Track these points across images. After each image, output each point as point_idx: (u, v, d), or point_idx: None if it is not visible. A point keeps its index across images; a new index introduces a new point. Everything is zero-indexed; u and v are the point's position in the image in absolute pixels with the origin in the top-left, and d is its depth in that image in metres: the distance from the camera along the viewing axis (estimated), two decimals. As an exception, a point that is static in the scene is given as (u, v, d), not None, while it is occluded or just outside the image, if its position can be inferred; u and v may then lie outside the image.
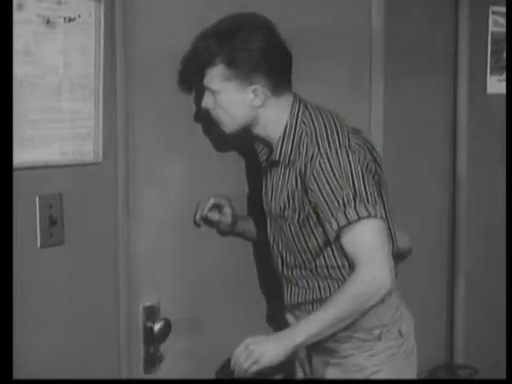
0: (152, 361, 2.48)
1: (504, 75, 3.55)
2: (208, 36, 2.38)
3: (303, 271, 2.47)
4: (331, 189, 2.30)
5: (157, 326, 2.44)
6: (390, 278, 2.29)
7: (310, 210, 2.37)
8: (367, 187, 2.31)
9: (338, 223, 2.30)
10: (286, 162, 2.40)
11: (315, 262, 2.44)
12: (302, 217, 2.39)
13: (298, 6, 2.76)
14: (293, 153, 2.39)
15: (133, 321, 2.42)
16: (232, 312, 2.69)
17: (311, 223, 2.39)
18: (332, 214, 2.30)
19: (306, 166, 2.34)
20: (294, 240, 2.44)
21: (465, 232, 3.42)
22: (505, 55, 3.54)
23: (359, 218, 2.28)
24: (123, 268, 2.38)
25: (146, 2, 2.39)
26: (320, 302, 2.43)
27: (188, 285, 2.58)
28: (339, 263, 2.41)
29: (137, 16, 2.36)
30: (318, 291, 2.47)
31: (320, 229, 2.38)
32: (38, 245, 2.20)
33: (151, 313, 2.45)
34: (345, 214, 2.29)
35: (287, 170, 2.40)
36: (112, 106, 2.31)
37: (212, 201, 2.57)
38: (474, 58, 3.37)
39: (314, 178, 2.32)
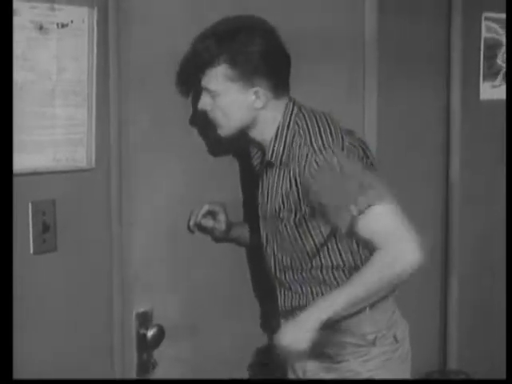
0: (145, 367, 2.47)
1: (497, 81, 3.56)
2: (208, 36, 2.37)
3: (297, 275, 2.47)
4: (335, 184, 2.29)
5: (150, 333, 2.44)
6: (419, 252, 2.25)
7: (307, 210, 2.35)
8: (370, 176, 2.32)
9: (350, 215, 2.27)
10: (279, 163, 2.39)
11: (311, 263, 2.43)
12: (298, 217, 2.38)
13: (293, 10, 2.76)
14: (285, 154, 2.38)
15: (126, 327, 2.42)
16: (226, 318, 2.68)
17: (308, 223, 2.38)
18: (342, 209, 2.28)
19: (301, 166, 2.33)
20: (290, 240, 2.43)
21: (458, 236, 3.42)
22: (498, 60, 3.56)
23: (372, 204, 2.26)
24: (116, 274, 2.38)
25: (139, 8, 2.39)
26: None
27: (182, 291, 2.58)
28: (334, 263, 2.41)
29: (130, 22, 2.36)
30: (310, 297, 2.47)
31: (317, 228, 2.37)
32: (31, 251, 2.20)
33: (144, 319, 2.45)
34: (356, 204, 2.26)
35: (281, 172, 2.39)
36: (105, 112, 2.31)
37: (206, 207, 2.57)
38: (467, 64, 3.38)
39: (314, 178, 2.30)
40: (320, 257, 2.42)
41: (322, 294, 2.43)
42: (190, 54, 2.44)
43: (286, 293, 2.52)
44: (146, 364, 2.47)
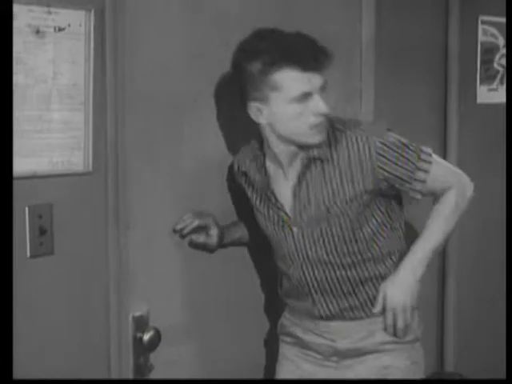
0: (141, 371, 2.47)
1: (494, 84, 3.57)
2: (312, 40, 2.32)
3: (348, 272, 2.47)
4: (401, 155, 2.39)
5: (146, 336, 2.44)
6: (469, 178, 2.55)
7: (366, 195, 2.39)
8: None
9: (420, 177, 2.42)
10: (327, 155, 2.39)
11: (367, 254, 2.46)
12: (358, 204, 2.40)
13: (290, 10, 2.78)
14: (331, 146, 2.39)
15: (122, 331, 2.42)
16: (222, 321, 2.69)
17: (367, 209, 2.42)
18: (412, 174, 2.41)
19: (362, 151, 2.36)
20: (344, 236, 2.43)
21: (457, 239, 3.42)
22: (494, 64, 3.56)
23: (429, 160, 2.44)
24: (113, 278, 2.38)
25: (136, 11, 2.39)
26: (360, 308, 2.49)
27: (178, 294, 2.58)
28: (391, 249, 2.49)
29: (127, 25, 2.36)
30: (364, 294, 2.49)
31: (377, 211, 2.44)
32: (28, 254, 2.20)
33: (141, 323, 2.45)
34: (419, 165, 2.42)
35: (326, 166, 2.40)
36: (102, 115, 2.31)
37: (196, 223, 2.54)
38: (464, 68, 3.39)
39: (383, 156, 2.37)
40: (377, 245, 2.47)
41: (376, 290, 2.48)
42: (300, 58, 2.30)
43: (330, 298, 2.50)
44: (142, 367, 2.46)
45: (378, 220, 2.46)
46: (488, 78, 3.53)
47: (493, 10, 3.46)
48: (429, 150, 2.46)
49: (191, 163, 2.57)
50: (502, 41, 3.56)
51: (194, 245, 2.58)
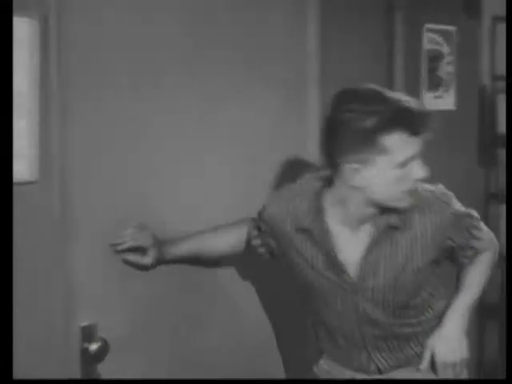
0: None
1: (439, 91, 3.61)
2: (414, 108, 2.27)
3: (407, 329, 2.50)
4: (462, 226, 2.43)
5: (93, 347, 2.41)
6: None
7: (432, 263, 2.42)
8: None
9: (476, 241, 2.47)
10: (401, 226, 2.36)
11: (423, 315, 2.51)
12: (425, 272, 2.42)
13: (236, 27, 2.79)
14: (406, 214, 2.35)
15: (69, 341, 2.39)
16: (170, 332, 2.67)
17: (426, 274, 2.43)
18: (468, 242, 2.46)
19: (435, 220, 2.37)
20: (407, 301, 2.45)
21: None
22: (439, 71, 3.61)
23: (478, 225, 2.49)
24: (60, 288, 2.35)
25: (81, 19, 2.37)
26: (416, 356, 2.53)
27: (126, 305, 2.55)
28: (441, 306, 2.54)
29: (72, 33, 2.35)
30: (418, 347, 2.53)
31: (433, 275, 2.45)
32: (-28, 267, 2.17)
33: (88, 333, 2.42)
34: (476, 229, 2.47)
35: (400, 234, 2.37)
36: (47, 123, 2.29)
37: (127, 245, 2.47)
38: (409, 75, 3.42)
39: (452, 227, 2.40)
40: (431, 308, 2.51)
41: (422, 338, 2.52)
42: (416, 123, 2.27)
43: (386, 352, 2.52)
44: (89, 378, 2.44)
45: (433, 283, 2.49)
46: (433, 85, 3.57)
47: (438, 18, 3.50)
48: (477, 215, 2.48)
49: (138, 174, 2.56)
50: (446, 48, 3.60)
51: (128, 262, 2.51)
